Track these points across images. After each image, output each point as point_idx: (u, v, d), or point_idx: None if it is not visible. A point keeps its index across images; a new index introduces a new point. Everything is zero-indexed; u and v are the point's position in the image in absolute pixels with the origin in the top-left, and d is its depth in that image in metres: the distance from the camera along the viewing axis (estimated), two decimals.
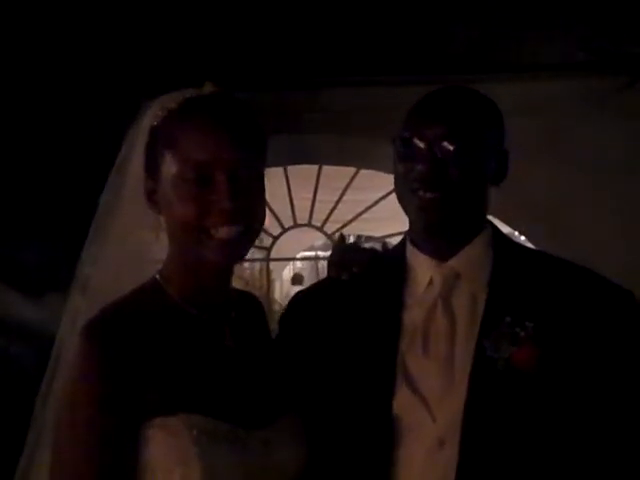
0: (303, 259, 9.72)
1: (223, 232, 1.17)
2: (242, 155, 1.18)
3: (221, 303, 1.27)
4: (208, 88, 1.22)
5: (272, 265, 6.75)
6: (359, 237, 8.72)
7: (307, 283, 10.13)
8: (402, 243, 1.45)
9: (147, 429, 1.14)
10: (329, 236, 5.79)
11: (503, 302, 1.32)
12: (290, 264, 9.90)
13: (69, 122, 3.79)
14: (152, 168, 1.21)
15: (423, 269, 1.38)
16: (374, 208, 5.77)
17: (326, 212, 5.83)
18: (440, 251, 1.37)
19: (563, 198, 3.97)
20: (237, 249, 1.21)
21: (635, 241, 3.75)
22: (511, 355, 1.26)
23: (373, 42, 3.74)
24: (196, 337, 1.22)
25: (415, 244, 1.41)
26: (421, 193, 1.30)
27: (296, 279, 9.46)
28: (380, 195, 5.56)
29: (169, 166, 1.18)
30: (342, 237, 1.69)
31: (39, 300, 3.23)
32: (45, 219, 3.63)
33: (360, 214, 5.82)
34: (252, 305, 1.41)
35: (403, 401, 1.30)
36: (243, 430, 1.18)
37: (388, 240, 6.45)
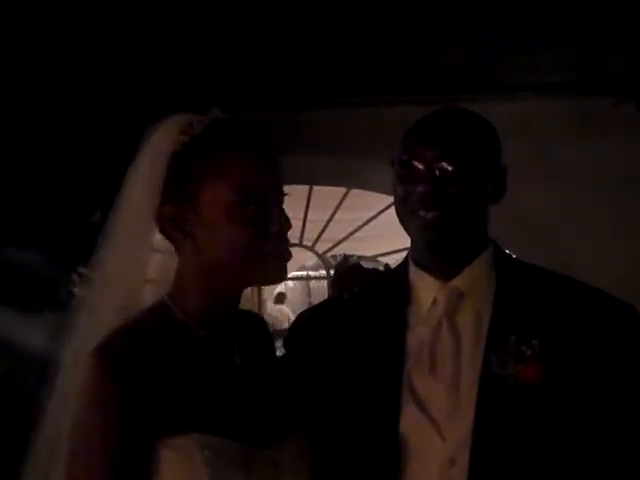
0: (294, 279, 9.72)
1: (279, 253, 1.21)
2: (279, 177, 1.24)
3: (229, 322, 1.27)
4: (216, 113, 1.24)
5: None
6: (350, 256, 8.73)
7: (298, 303, 10.13)
8: (404, 263, 1.45)
9: (159, 450, 1.13)
10: (320, 255, 5.81)
11: (508, 320, 1.32)
12: (282, 283, 9.89)
13: (74, 145, 3.81)
14: (180, 195, 1.20)
15: (426, 289, 1.38)
16: (365, 227, 5.80)
17: (317, 231, 5.86)
18: (443, 271, 1.37)
19: (550, 215, 4.01)
20: (286, 268, 1.25)
21: (620, 255, 3.78)
22: (518, 372, 1.27)
23: (362, 64, 3.78)
24: (205, 357, 1.22)
25: (417, 264, 1.41)
26: (422, 213, 1.31)
27: (279, 298, 9.45)
28: (371, 214, 5.60)
29: (216, 193, 1.18)
30: (345, 257, 1.68)
31: (37, 319, 3.23)
32: (45, 238, 3.62)
33: (351, 233, 5.85)
34: (256, 324, 1.41)
35: (411, 422, 1.30)
36: (255, 449, 1.19)
37: (381, 259, 6.48)
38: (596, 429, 1.28)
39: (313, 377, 1.38)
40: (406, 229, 1.38)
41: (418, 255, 1.41)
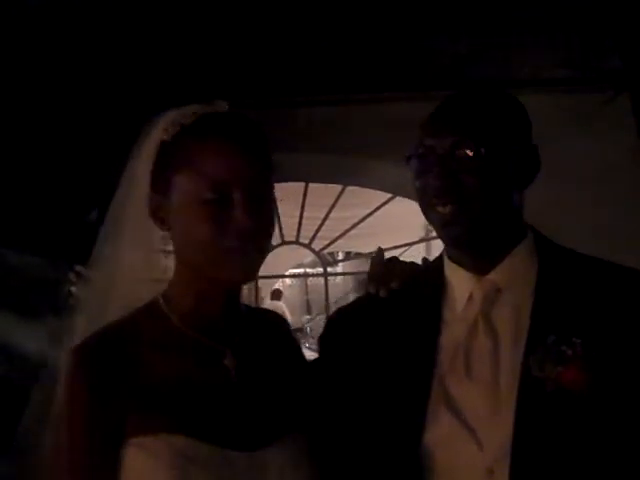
0: (292, 276, 9.71)
1: (241, 251, 1.15)
2: (258, 174, 1.17)
3: (225, 325, 1.23)
4: (220, 106, 1.21)
5: (260, 283, 6.73)
6: (347, 254, 8.73)
7: (295, 300, 10.13)
8: (440, 257, 1.36)
9: (128, 448, 1.12)
10: (317, 253, 5.80)
11: (549, 316, 1.22)
12: (279, 281, 9.89)
13: (71, 144, 3.79)
14: (162, 184, 1.19)
15: (462, 284, 1.29)
16: (362, 224, 5.78)
17: (314, 229, 5.85)
18: (477, 264, 1.27)
19: (548, 210, 4.00)
20: (252, 267, 1.20)
21: (621, 255, 3.78)
22: (559, 375, 1.17)
23: (360, 61, 3.78)
24: (192, 359, 1.20)
25: (451, 258, 1.32)
26: (440, 208, 1.23)
27: (275, 295, 9.44)
28: (368, 211, 5.58)
29: (185, 184, 1.16)
30: (380, 250, 1.56)
31: (34, 319, 3.22)
32: (45, 240, 3.61)
33: (348, 231, 5.84)
34: (271, 324, 1.36)
35: (445, 429, 1.21)
36: (234, 452, 1.15)
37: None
38: None
39: (345, 378, 1.31)
40: (430, 224, 1.30)
41: (449, 250, 1.32)
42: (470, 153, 1.21)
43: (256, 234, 1.17)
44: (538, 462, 1.16)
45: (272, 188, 1.22)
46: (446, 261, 1.33)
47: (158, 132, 1.20)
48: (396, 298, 1.36)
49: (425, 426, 1.21)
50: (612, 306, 1.22)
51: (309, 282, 10.04)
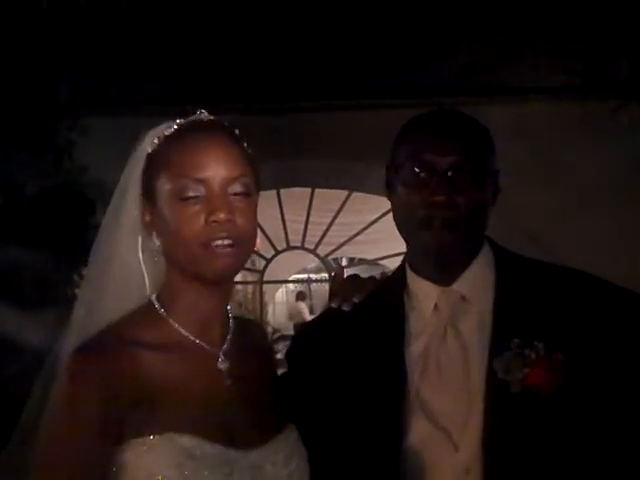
0: (295, 281, 9.72)
1: (216, 246, 1.20)
2: (232, 173, 1.23)
3: (216, 328, 1.28)
4: (199, 115, 1.29)
5: (265, 287, 6.74)
6: (351, 260, 8.75)
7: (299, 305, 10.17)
8: (401, 269, 1.42)
9: (132, 448, 1.14)
10: (322, 258, 5.80)
11: (511, 322, 1.29)
12: (283, 286, 9.90)
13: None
14: (148, 193, 1.26)
15: (426, 295, 1.35)
16: (367, 230, 5.79)
17: (319, 234, 5.85)
18: (443, 275, 1.34)
19: (549, 216, 4.01)
20: (230, 263, 1.23)
21: (620, 256, 3.78)
22: (524, 377, 1.24)
23: (364, 67, 3.79)
24: (187, 360, 1.23)
25: (415, 270, 1.37)
26: (437, 223, 1.28)
27: (300, 296, 9.67)
28: (373, 217, 5.59)
29: (164, 186, 1.23)
30: (340, 266, 1.65)
31: (36, 317, 3.23)
32: (47, 238, 3.63)
33: (353, 236, 5.85)
34: (252, 330, 1.42)
35: (423, 434, 1.27)
36: (235, 451, 1.19)
37: (382, 262, 6.47)
38: (611, 428, 1.24)
39: (317, 392, 1.36)
40: (405, 234, 1.35)
41: (416, 261, 1.38)
42: (469, 172, 1.29)
43: (231, 230, 1.20)
44: (510, 459, 1.22)
45: (253, 191, 1.26)
46: (409, 273, 1.39)
47: (145, 146, 1.27)
48: (360, 311, 1.41)
49: (403, 432, 1.27)
50: (570, 308, 1.28)
51: (312, 288, 10.08)
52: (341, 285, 1.53)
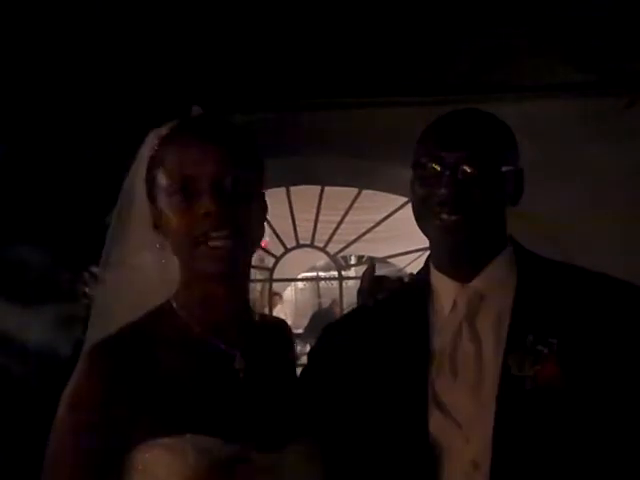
0: (305, 279, 9.72)
1: (212, 238, 1.21)
2: (227, 169, 1.23)
3: (233, 328, 1.28)
4: (196, 111, 1.30)
5: (274, 285, 6.75)
6: (360, 257, 8.73)
7: (307, 304, 10.15)
8: (426, 266, 1.45)
9: (149, 449, 1.14)
10: (332, 256, 5.80)
11: (527, 319, 1.31)
12: (292, 284, 9.90)
13: (90, 146, 3.83)
14: (152, 194, 1.27)
15: (446, 292, 1.38)
16: (377, 228, 5.77)
17: (329, 232, 5.84)
18: (463, 273, 1.37)
19: (564, 216, 3.98)
20: (226, 258, 1.21)
21: (635, 257, 3.75)
22: (536, 373, 1.26)
23: (373, 64, 3.78)
24: (204, 360, 1.23)
25: (437, 267, 1.40)
26: (444, 216, 1.31)
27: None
28: (383, 215, 5.57)
29: (161, 183, 1.24)
30: (372, 265, 1.68)
31: (38, 313, 3.23)
32: (61, 239, 3.64)
33: (363, 234, 5.83)
34: (276, 330, 1.43)
35: (437, 426, 1.30)
36: (253, 452, 1.19)
37: (391, 261, 6.46)
38: (620, 428, 1.25)
39: (340, 387, 1.37)
40: (425, 231, 1.37)
41: (437, 258, 1.40)
42: (479, 168, 1.30)
43: (226, 222, 1.20)
44: (518, 455, 1.25)
45: (254, 186, 1.27)
46: (432, 270, 1.42)
47: (147, 146, 1.30)
48: (385, 308, 1.45)
49: (428, 418, 1.30)
50: (585, 308, 1.30)
51: (321, 286, 10.08)
52: (369, 284, 1.57)
